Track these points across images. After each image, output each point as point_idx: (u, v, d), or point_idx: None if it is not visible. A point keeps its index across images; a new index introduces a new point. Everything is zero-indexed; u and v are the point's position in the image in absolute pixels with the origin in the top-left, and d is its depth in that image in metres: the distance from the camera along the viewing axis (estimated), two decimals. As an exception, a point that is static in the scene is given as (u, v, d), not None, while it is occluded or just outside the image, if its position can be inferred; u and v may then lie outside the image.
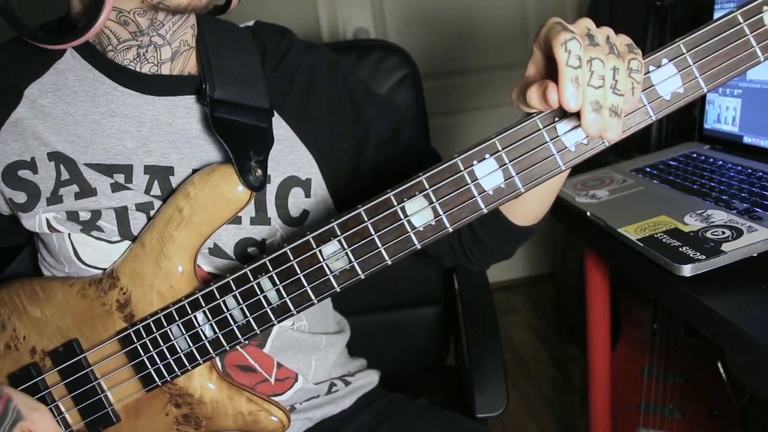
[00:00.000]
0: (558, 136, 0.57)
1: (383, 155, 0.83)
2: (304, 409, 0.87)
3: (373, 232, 0.62)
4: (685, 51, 0.55)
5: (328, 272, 0.65)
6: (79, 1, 0.74)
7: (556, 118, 0.57)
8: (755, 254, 0.70)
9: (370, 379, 0.97)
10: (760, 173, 0.91)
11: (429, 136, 1.37)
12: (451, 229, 0.61)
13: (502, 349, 1.04)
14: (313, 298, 0.66)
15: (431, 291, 1.29)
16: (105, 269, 0.77)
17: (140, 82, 0.76)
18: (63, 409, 0.76)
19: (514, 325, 2.39)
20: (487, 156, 0.59)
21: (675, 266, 0.71)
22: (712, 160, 1.02)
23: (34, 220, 0.76)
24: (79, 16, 0.75)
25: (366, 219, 0.62)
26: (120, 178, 0.75)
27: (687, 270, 0.70)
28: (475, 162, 0.59)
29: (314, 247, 0.64)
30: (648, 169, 1.05)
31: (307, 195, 0.81)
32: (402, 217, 0.61)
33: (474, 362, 1.03)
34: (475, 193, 0.59)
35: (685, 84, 0.55)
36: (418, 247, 0.62)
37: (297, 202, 0.80)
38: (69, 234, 0.76)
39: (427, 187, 0.60)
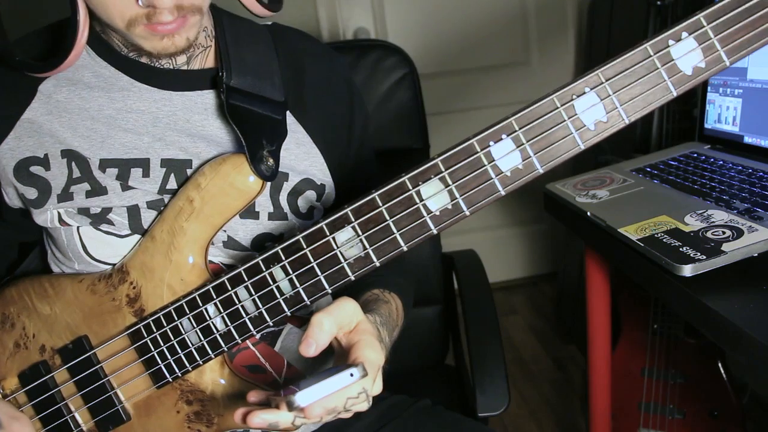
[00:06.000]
0: (576, 115, 0.55)
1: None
2: None
3: (387, 218, 0.60)
4: (705, 24, 0.53)
5: (342, 260, 0.63)
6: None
7: (574, 96, 0.55)
8: (756, 254, 0.70)
9: None
10: (761, 173, 0.91)
11: (427, 135, 1.37)
12: (468, 213, 0.59)
13: (502, 348, 1.04)
14: (326, 287, 0.64)
15: (431, 291, 1.29)
16: (114, 264, 0.76)
17: (157, 78, 0.75)
18: (72, 408, 0.75)
19: (515, 326, 2.39)
20: (503, 136, 0.57)
21: (675, 266, 0.71)
22: (712, 160, 1.02)
23: (46, 216, 0.75)
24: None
25: (380, 204, 0.60)
26: (137, 172, 0.74)
27: (687, 270, 0.70)
28: (491, 143, 0.57)
29: (327, 234, 0.62)
30: (648, 169, 1.05)
31: (318, 199, 0.81)
32: (417, 201, 0.59)
33: (475, 361, 1.03)
34: (492, 175, 0.58)
35: (707, 58, 0.53)
36: (435, 231, 0.60)
37: (307, 202, 0.80)
38: (78, 228, 0.75)
39: (443, 169, 0.58)
